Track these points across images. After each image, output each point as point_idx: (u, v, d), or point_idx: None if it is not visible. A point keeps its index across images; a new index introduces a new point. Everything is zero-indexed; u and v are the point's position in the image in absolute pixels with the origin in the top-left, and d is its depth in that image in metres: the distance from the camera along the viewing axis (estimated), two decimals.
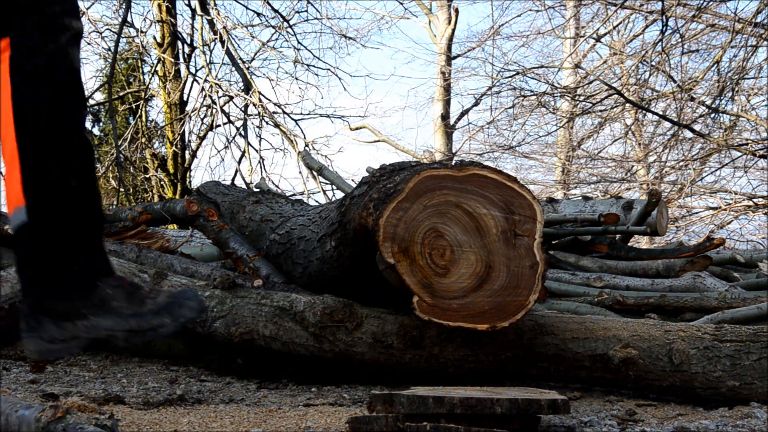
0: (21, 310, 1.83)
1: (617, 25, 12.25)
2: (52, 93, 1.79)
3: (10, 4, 1.78)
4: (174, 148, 10.29)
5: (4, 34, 1.79)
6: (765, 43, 7.89)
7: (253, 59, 10.21)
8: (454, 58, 14.52)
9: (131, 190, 10.72)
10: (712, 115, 8.86)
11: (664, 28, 7.48)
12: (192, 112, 9.62)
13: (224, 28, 8.98)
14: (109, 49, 9.61)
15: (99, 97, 10.43)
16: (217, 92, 9.12)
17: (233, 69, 9.46)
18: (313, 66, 10.47)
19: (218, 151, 10.18)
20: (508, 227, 2.19)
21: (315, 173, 7.48)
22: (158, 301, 1.81)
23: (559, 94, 11.32)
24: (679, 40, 8.59)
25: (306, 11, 11.06)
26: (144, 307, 1.80)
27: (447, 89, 14.19)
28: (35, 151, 1.79)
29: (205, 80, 9.19)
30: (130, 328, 1.77)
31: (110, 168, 9.69)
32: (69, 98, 1.81)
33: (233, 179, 9.16)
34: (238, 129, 9.43)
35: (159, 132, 11.17)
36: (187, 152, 10.37)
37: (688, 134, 9.99)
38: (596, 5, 11.20)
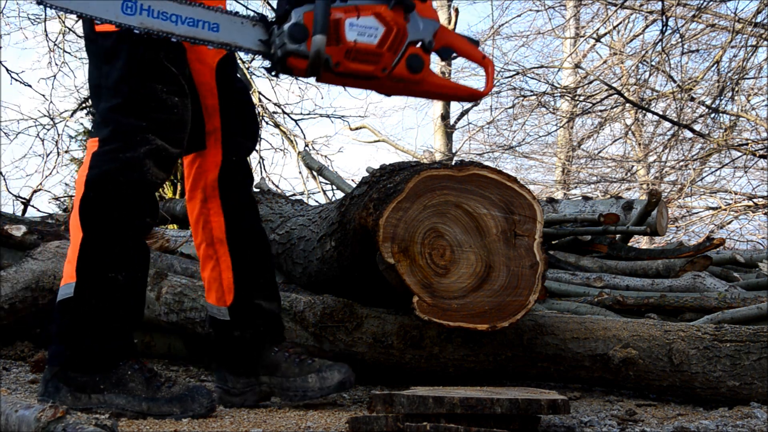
0: (44, 374, 1.97)
1: (617, 25, 12.25)
2: (116, 196, 1.94)
3: (104, 111, 1.95)
4: None
5: (95, 134, 1.98)
6: (765, 43, 7.89)
7: (253, 59, 10.20)
8: (454, 58, 14.49)
9: None
10: (712, 115, 8.86)
11: (664, 28, 7.48)
12: None
13: None
14: None
15: None
16: None
17: None
18: None
19: None
20: (508, 227, 2.20)
21: (315, 173, 7.48)
22: (173, 390, 1.93)
23: (559, 94, 11.32)
24: (679, 40, 8.59)
25: None
26: (158, 393, 1.91)
27: None
28: (92, 238, 1.94)
29: None
30: (140, 411, 1.89)
31: None
32: (131, 204, 1.95)
33: None
34: None
35: None
36: None
37: (688, 134, 9.99)
38: (596, 5, 11.20)
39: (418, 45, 1.91)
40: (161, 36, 1.79)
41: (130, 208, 1.94)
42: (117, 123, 1.93)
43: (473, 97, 2.07)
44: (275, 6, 1.90)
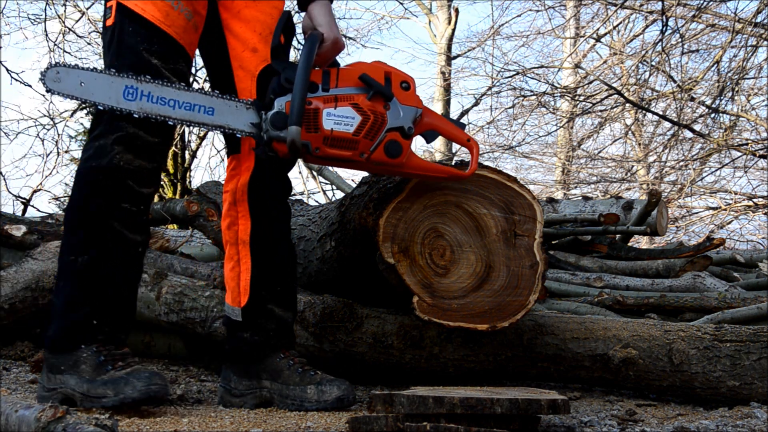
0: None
1: (617, 25, 12.26)
2: (89, 182, 1.99)
3: (94, 121, 2.04)
4: (174, 148, 10.28)
5: None
6: (765, 43, 7.89)
7: None
8: (454, 58, 14.51)
9: None
10: (712, 115, 8.86)
11: (664, 28, 7.47)
12: None
13: None
14: None
15: None
16: None
17: None
18: None
19: (218, 151, 10.16)
20: (508, 227, 2.20)
21: (315, 173, 7.48)
22: (115, 374, 1.94)
23: (559, 94, 11.32)
24: (679, 40, 8.58)
25: None
26: (99, 375, 1.94)
27: (447, 89, 14.18)
28: (68, 231, 2.03)
29: (205, 80, 9.19)
30: (82, 392, 1.93)
31: None
32: (101, 190, 1.98)
33: None
34: None
35: None
36: (187, 152, 10.37)
37: (688, 134, 9.99)
38: (596, 5, 11.20)
39: (399, 131, 1.99)
40: (159, 120, 1.91)
41: (102, 193, 1.97)
42: (98, 113, 2.00)
43: (456, 177, 2.12)
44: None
